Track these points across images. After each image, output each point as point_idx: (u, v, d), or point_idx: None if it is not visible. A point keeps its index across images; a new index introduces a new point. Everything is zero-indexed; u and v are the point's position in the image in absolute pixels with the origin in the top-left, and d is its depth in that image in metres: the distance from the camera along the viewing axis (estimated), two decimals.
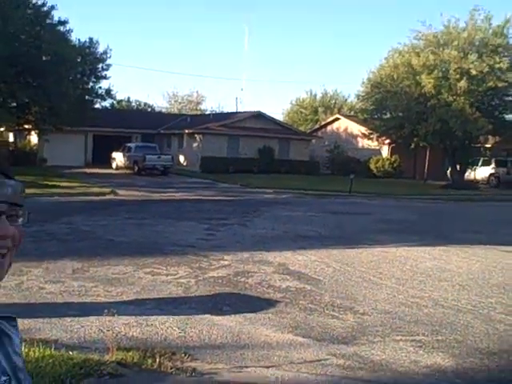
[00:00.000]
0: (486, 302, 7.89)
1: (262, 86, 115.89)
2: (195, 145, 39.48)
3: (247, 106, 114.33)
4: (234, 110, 53.83)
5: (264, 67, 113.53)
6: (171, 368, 4.99)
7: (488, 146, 40.08)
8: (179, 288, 7.96)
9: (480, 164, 39.20)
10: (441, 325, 6.70)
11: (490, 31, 33.29)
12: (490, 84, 32.09)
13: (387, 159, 40.30)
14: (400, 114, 35.33)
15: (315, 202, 22.33)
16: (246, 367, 5.17)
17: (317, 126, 52.65)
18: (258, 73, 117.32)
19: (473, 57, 31.81)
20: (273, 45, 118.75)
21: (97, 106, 38.42)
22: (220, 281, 8.48)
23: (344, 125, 47.01)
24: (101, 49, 34.09)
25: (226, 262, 9.83)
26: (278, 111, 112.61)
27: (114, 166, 37.57)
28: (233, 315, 6.79)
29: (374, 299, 7.76)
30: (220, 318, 6.65)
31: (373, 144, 39.80)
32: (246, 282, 8.47)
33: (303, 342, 5.91)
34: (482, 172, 39.37)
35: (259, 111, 42.52)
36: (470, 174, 38.38)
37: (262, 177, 32.99)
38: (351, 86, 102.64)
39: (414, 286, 8.64)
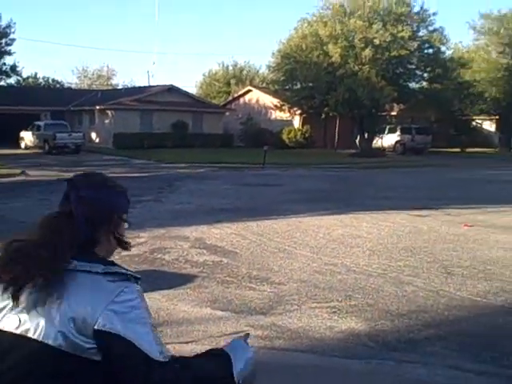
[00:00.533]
0: (395, 265, 8.27)
1: (174, 58, 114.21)
2: (107, 121, 38.57)
3: (160, 79, 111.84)
4: (147, 84, 52.84)
5: (175, 40, 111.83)
6: None
7: (394, 113, 41.55)
8: None
9: (386, 132, 40.57)
10: (353, 290, 6.97)
11: (394, 0, 34.28)
12: (394, 53, 33.13)
13: (299, 130, 40.89)
14: (310, 85, 35.88)
15: (230, 175, 22.44)
16: (165, 344, 5.18)
17: (230, 99, 52.57)
18: (170, 45, 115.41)
19: (377, 26, 32.71)
20: (183, 15, 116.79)
21: (1, 83, 36.66)
22: (136, 259, 8.41)
23: (256, 96, 47.20)
24: (3, 22, 32.51)
25: (142, 240, 9.75)
26: (191, 84, 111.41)
27: (22, 145, 36.16)
28: (150, 293, 6.74)
29: (289, 268, 7.95)
30: None
31: (285, 115, 40.24)
32: (163, 259, 8.46)
33: (222, 316, 6.00)
34: (388, 139, 40.73)
35: (171, 85, 42.03)
36: (377, 142, 39.69)
37: (176, 151, 32.73)
38: (263, 57, 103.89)
39: (327, 254, 8.92)
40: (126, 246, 1.78)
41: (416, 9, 35.15)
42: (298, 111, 39.08)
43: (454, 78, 38.48)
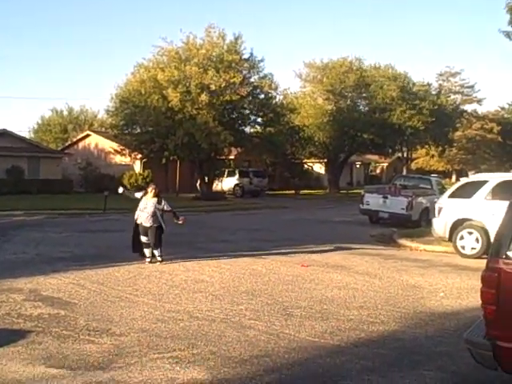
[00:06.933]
0: (237, 309, 8.36)
1: (6, 102, 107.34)
2: None
3: None
4: None
5: (7, 83, 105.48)
6: None
7: (232, 157, 42.84)
8: None
9: (226, 175, 41.85)
10: (196, 337, 6.91)
11: (225, 48, 35.66)
12: (227, 98, 34.36)
13: (140, 174, 40.50)
14: (150, 129, 35.99)
15: (69, 222, 21.57)
16: None
17: (68, 143, 51.13)
18: (1, 89, 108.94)
19: (211, 73, 33.74)
20: (13, 58, 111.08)
21: None
22: None
23: (96, 141, 46.36)
24: None
25: None
26: (25, 129, 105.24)
27: None
28: None
29: (130, 318, 7.72)
30: None
31: (125, 160, 39.79)
32: None
33: (56, 374, 5.63)
34: (228, 183, 42.15)
35: (4, 129, 40.22)
36: (217, 185, 40.63)
37: (11, 198, 30.71)
38: (102, 101, 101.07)
39: (170, 301, 8.81)
40: None
41: (246, 56, 36.80)
42: (139, 155, 38.83)
43: (285, 122, 40.57)
